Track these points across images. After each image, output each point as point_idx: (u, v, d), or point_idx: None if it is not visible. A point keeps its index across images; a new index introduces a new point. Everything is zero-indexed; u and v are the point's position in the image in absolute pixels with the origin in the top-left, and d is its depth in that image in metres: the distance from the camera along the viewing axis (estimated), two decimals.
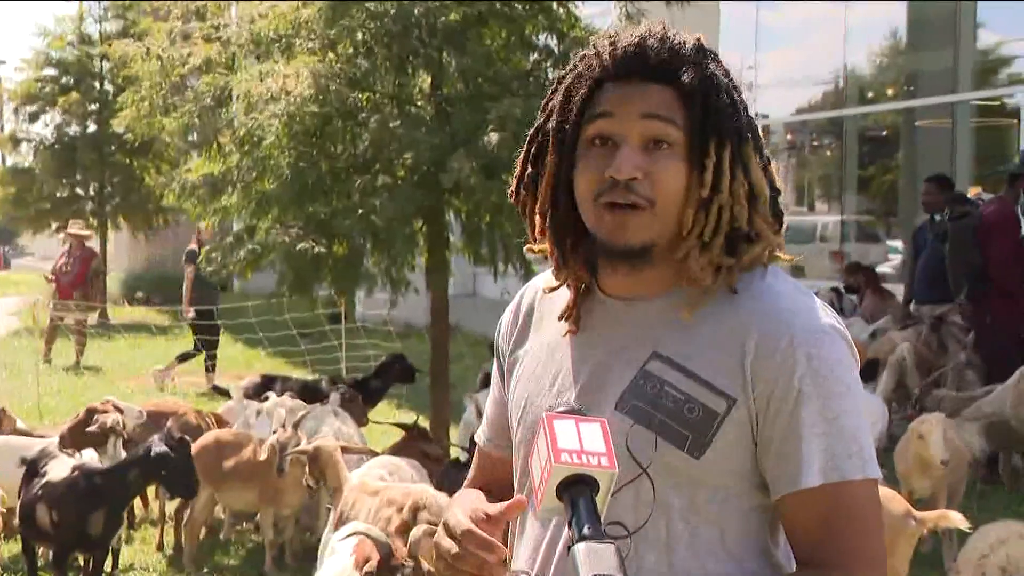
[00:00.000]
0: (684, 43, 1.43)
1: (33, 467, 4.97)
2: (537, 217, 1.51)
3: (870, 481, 1.39)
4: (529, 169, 1.51)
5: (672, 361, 1.41)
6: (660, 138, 1.40)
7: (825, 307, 1.44)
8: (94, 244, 16.16)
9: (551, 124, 1.48)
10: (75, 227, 14.13)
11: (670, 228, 1.41)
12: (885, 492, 4.44)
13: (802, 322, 1.39)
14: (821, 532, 1.38)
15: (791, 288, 1.44)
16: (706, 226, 1.40)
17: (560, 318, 1.52)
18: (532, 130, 1.52)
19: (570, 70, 1.48)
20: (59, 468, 4.87)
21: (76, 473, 4.78)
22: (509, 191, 1.55)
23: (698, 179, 1.40)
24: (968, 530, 4.21)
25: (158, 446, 4.72)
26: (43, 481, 4.83)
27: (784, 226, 1.48)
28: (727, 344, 1.39)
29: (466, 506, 1.43)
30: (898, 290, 9.05)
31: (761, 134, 1.47)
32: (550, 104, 1.50)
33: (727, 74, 1.45)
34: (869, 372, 6.54)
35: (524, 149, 1.52)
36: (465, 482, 1.73)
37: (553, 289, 1.55)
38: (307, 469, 4.84)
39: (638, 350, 1.44)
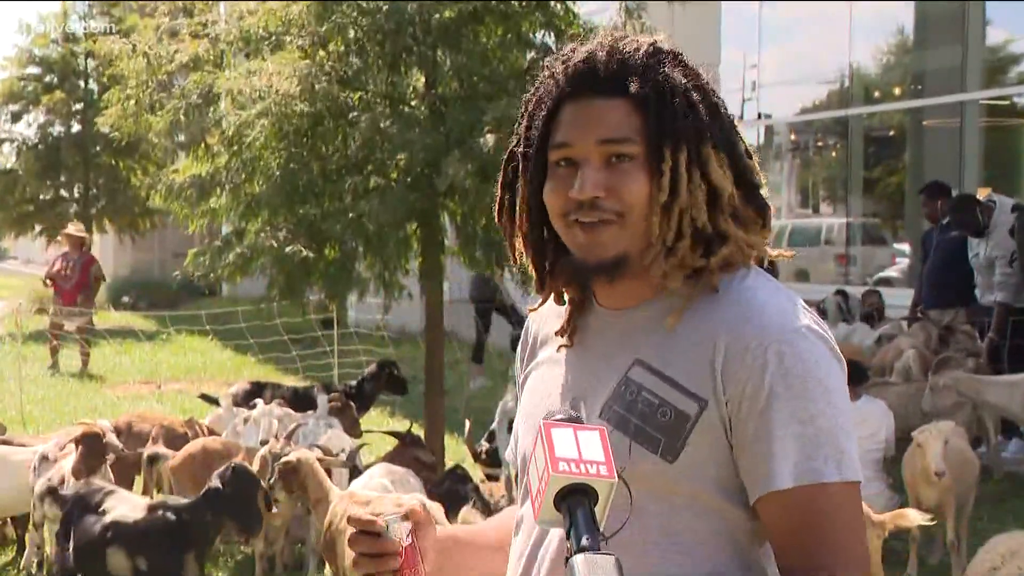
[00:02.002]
0: (636, 50, 1.44)
1: (83, 503, 4.65)
2: (518, 240, 1.55)
3: (849, 484, 1.37)
4: (507, 194, 1.56)
5: (651, 367, 1.42)
6: (620, 154, 1.43)
7: (804, 308, 1.42)
8: (94, 247, 15.88)
9: (520, 149, 1.52)
10: (72, 228, 13.55)
11: (641, 237, 1.43)
12: None
13: (774, 321, 1.38)
14: (800, 536, 1.36)
15: (769, 289, 1.44)
16: (668, 231, 1.42)
17: (557, 333, 1.56)
18: (506, 155, 1.56)
19: (532, 93, 1.53)
20: (125, 506, 4.57)
21: (159, 512, 4.50)
22: (495, 215, 1.60)
23: (658, 185, 1.42)
24: (932, 521, 4.23)
25: (213, 482, 4.50)
26: (109, 521, 4.50)
27: (770, 220, 1.48)
28: (701, 346, 1.40)
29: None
30: (906, 295, 8.89)
31: (735, 127, 1.48)
32: (519, 129, 1.54)
33: (688, 74, 1.45)
34: (856, 375, 6.22)
35: (501, 174, 1.57)
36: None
37: (537, 307, 1.60)
38: (280, 482, 4.69)
39: (623, 357, 1.46)
